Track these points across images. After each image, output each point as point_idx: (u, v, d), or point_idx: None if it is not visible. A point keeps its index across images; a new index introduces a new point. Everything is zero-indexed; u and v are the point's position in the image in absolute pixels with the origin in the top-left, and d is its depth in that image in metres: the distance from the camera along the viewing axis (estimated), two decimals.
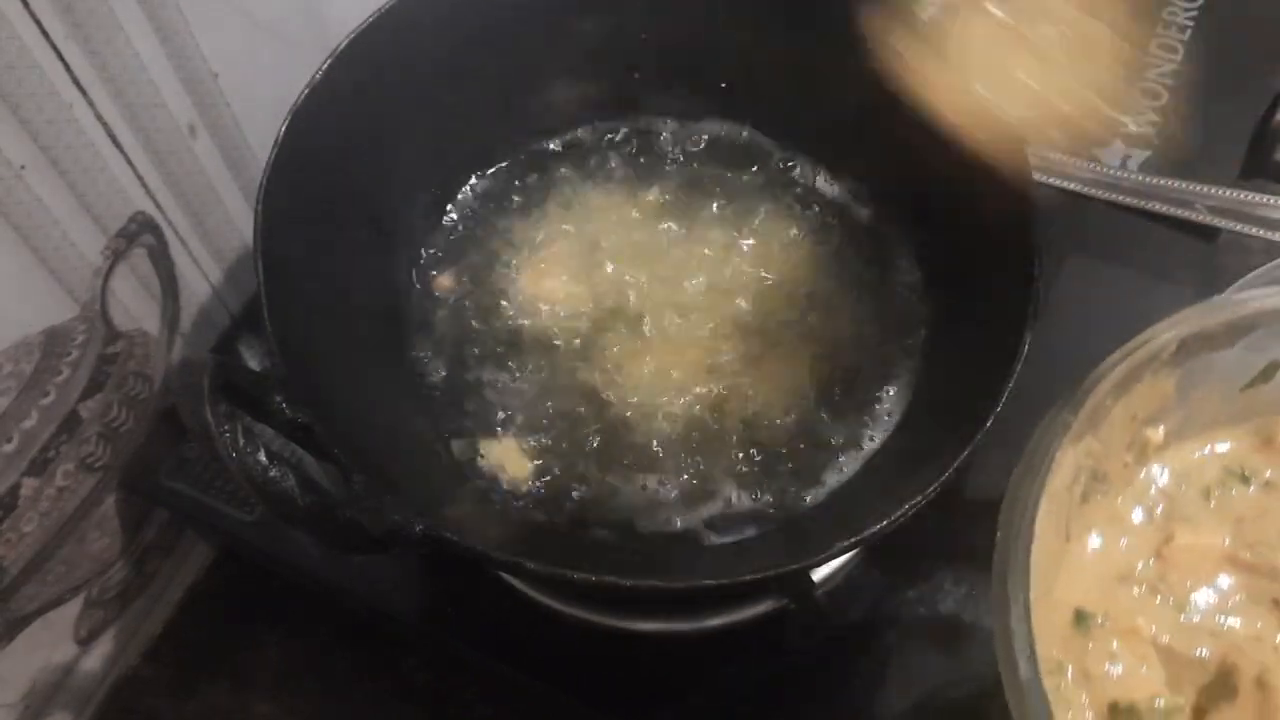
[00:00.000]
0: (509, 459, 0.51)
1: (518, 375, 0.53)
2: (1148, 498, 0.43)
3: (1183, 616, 0.40)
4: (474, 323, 0.55)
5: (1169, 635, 0.40)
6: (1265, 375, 0.43)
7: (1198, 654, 0.39)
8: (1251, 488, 0.43)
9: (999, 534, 0.36)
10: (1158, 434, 0.43)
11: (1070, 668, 0.38)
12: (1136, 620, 0.40)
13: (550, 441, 0.52)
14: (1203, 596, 0.41)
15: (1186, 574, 0.41)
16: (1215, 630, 0.40)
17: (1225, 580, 0.41)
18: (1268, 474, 0.43)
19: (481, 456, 0.51)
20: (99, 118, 0.50)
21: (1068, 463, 0.38)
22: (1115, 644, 0.39)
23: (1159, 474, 0.43)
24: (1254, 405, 0.44)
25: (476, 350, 0.54)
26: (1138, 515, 0.42)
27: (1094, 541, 0.42)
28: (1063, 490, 0.38)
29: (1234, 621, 0.40)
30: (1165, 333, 0.40)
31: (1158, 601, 0.40)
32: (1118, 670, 0.39)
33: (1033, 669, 0.33)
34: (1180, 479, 0.43)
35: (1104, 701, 0.38)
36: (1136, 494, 0.43)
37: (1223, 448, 0.44)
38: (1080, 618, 0.40)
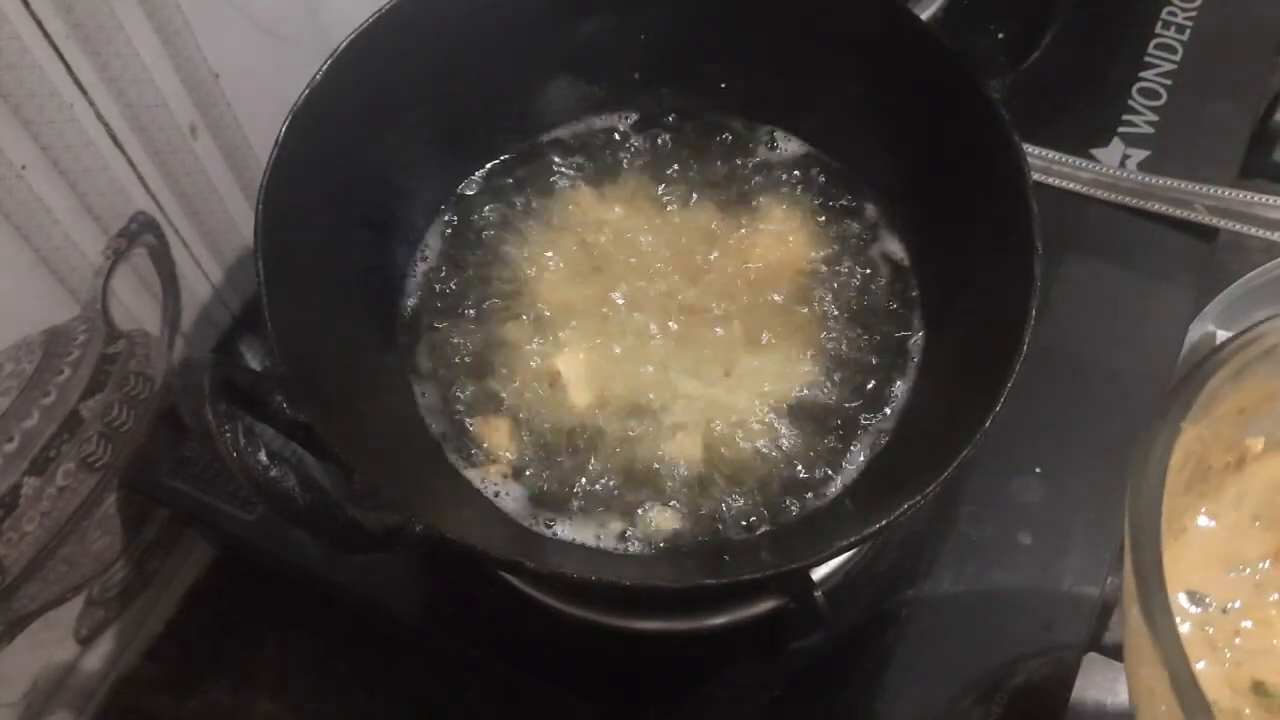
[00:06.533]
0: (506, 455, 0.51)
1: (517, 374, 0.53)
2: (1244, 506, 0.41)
3: None
4: (474, 322, 0.55)
5: None
6: None
7: None
8: None
9: (1129, 494, 0.35)
10: (1258, 444, 0.41)
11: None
12: (1269, 612, 0.39)
13: (549, 437, 0.52)
14: None
15: None
16: None
17: None
18: None
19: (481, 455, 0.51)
20: (100, 118, 0.50)
21: (1182, 445, 0.36)
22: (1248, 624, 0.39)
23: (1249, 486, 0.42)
24: None
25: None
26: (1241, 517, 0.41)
27: (1203, 526, 0.41)
28: (1174, 471, 0.37)
29: None
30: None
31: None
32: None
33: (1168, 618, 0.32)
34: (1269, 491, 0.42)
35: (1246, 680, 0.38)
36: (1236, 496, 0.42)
37: None
38: (1194, 598, 0.39)
